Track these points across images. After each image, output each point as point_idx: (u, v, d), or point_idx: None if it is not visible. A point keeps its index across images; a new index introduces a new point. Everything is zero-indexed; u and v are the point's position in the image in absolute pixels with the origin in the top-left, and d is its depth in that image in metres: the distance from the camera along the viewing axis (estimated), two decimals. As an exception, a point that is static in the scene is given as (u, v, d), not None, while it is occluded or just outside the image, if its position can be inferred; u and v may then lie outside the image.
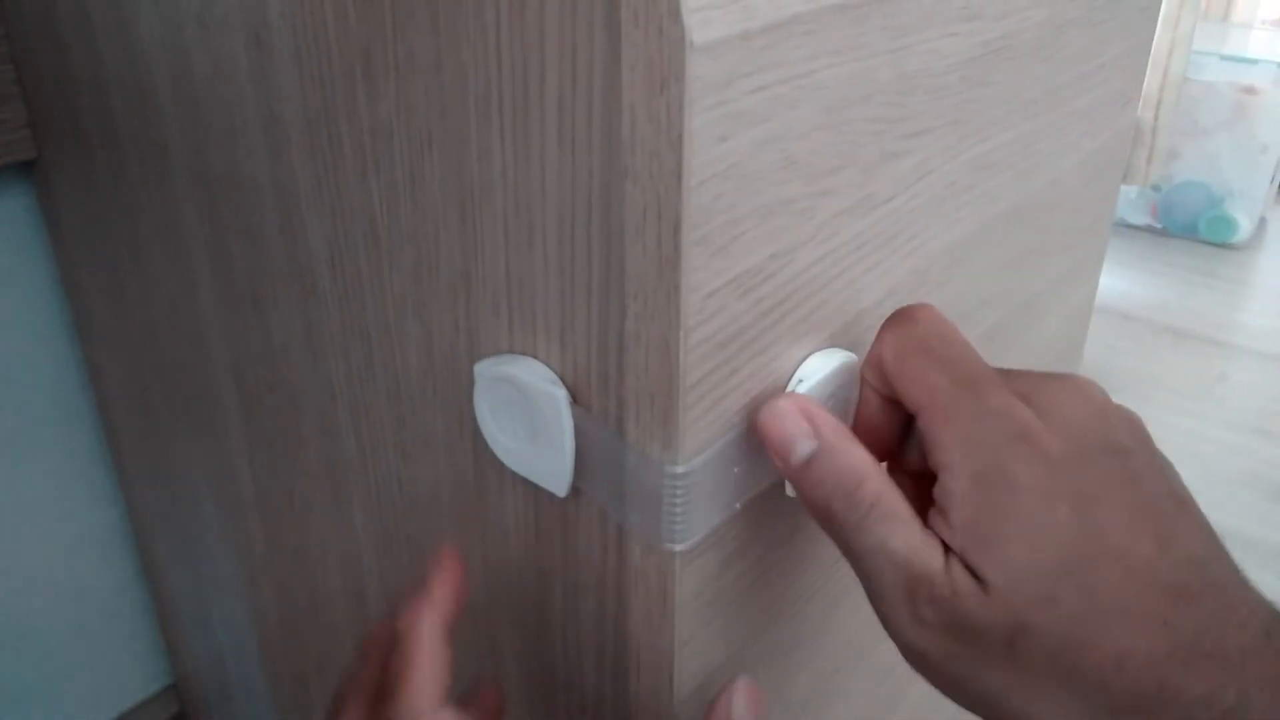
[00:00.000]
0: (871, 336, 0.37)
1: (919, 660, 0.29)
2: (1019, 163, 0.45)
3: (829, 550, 0.41)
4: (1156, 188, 1.88)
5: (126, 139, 0.50)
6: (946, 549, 0.28)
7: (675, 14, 0.24)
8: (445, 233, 0.35)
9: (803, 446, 0.30)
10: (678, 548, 0.31)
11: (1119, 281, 1.75)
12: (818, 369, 0.34)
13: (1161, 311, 1.66)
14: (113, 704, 0.80)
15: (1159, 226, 1.91)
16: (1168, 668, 0.26)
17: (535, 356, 0.34)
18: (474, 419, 0.36)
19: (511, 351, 0.35)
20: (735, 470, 0.32)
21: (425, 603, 0.33)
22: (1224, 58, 1.76)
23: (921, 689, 0.58)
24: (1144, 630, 0.26)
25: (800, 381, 0.33)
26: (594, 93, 0.27)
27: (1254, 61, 1.74)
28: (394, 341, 0.40)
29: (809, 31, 0.28)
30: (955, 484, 0.28)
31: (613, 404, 0.31)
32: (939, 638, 0.28)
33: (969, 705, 0.29)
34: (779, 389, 0.33)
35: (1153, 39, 0.55)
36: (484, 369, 0.35)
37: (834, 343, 0.35)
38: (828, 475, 0.30)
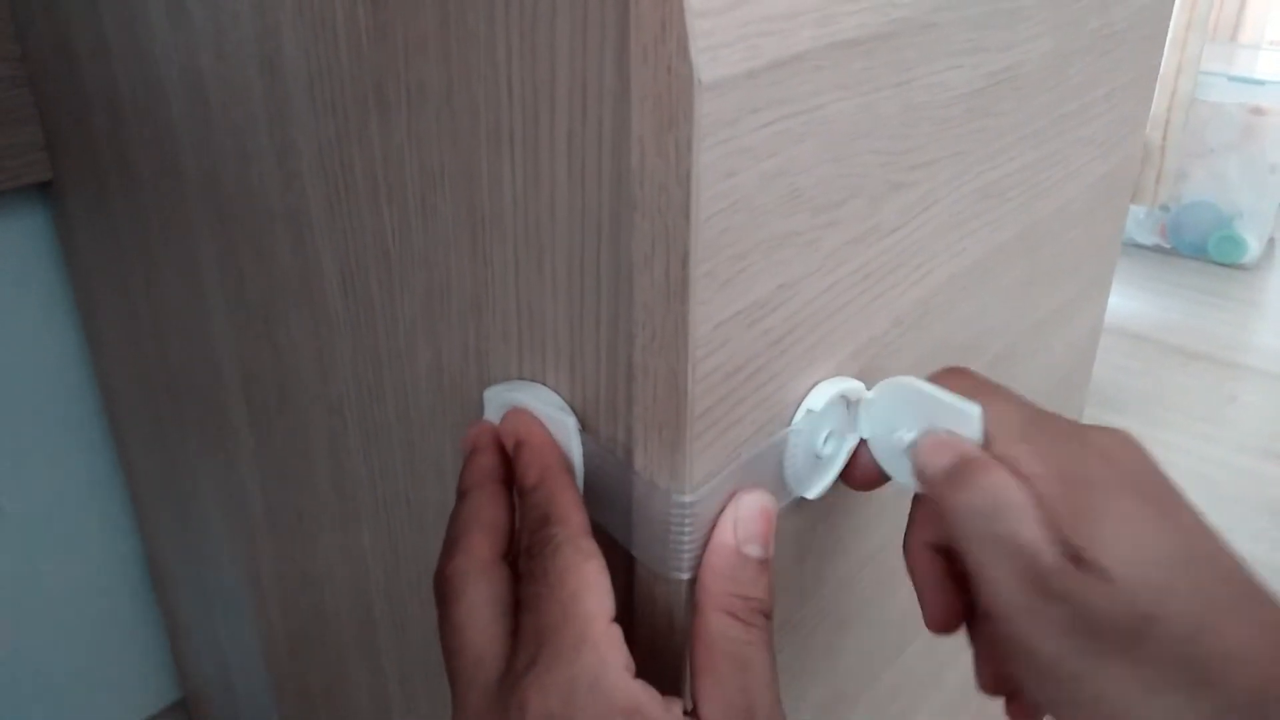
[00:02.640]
0: (880, 364, 0.38)
1: (1031, 662, 0.29)
2: (1025, 191, 0.46)
3: (837, 574, 0.42)
4: (1165, 208, 1.87)
5: (140, 162, 0.51)
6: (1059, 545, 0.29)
7: (684, 52, 0.25)
8: (456, 259, 0.35)
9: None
10: (684, 576, 0.31)
11: (1128, 302, 1.75)
12: (825, 401, 0.34)
13: (1170, 332, 1.66)
14: (121, 718, 0.80)
15: (1168, 246, 1.91)
16: (1275, 670, 0.26)
17: (544, 383, 0.34)
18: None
19: (521, 378, 0.35)
20: (741, 498, 0.32)
21: (535, 447, 0.32)
22: (1232, 79, 1.76)
23: (931, 707, 0.58)
24: (1250, 630, 0.27)
25: (808, 412, 0.34)
26: (604, 126, 0.28)
27: (1262, 82, 1.74)
28: (404, 365, 0.40)
29: (816, 68, 0.29)
30: (1048, 488, 0.29)
31: (621, 432, 0.32)
32: (1061, 634, 0.28)
33: (1077, 712, 0.29)
34: (785, 418, 0.33)
35: (1159, 65, 0.55)
36: (493, 394, 0.35)
37: (841, 371, 0.35)
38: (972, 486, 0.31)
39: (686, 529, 0.31)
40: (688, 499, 0.30)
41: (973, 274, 0.44)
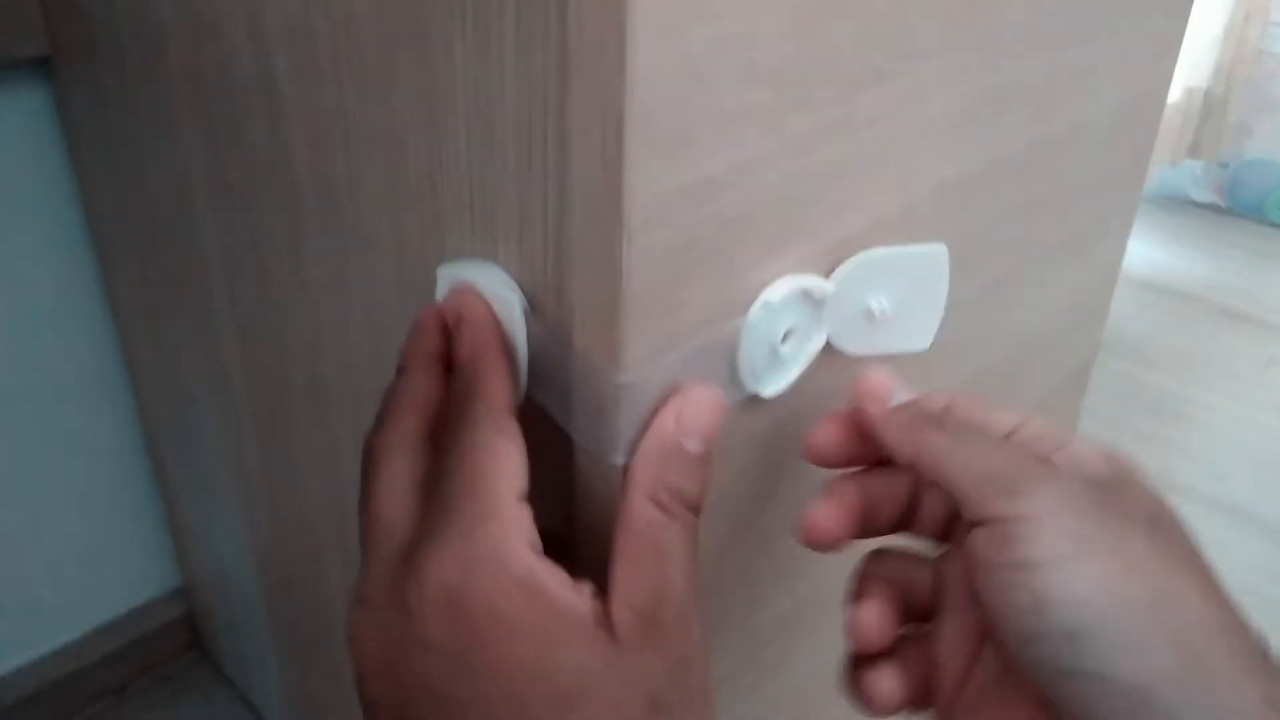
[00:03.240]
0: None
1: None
2: (1036, 102, 0.43)
3: (802, 481, 0.40)
4: (1224, 164, 1.81)
5: (129, 38, 0.50)
6: None
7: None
8: (414, 133, 0.34)
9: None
10: (620, 460, 0.31)
11: (1176, 259, 1.70)
12: (783, 294, 0.32)
13: (1217, 291, 1.61)
14: (123, 600, 0.82)
15: (1223, 205, 1.84)
16: None
17: (495, 261, 0.33)
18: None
19: (474, 256, 0.34)
20: (686, 387, 0.31)
21: (474, 323, 0.32)
22: (1306, 30, 1.68)
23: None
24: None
25: (765, 304, 0.32)
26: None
27: (1338, 35, 1.66)
28: (367, 246, 0.39)
29: None
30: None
31: (565, 311, 0.31)
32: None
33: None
34: (740, 307, 0.32)
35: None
36: (445, 272, 0.34)
37: (807, 268, 0.34)
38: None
39: (623, 410, 0.30)
40: (623, 379, 0.29)
41: (972, 185, 0.42)
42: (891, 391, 0.33)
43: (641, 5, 0.24)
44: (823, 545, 0.33)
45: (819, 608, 0.46)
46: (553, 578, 0.27)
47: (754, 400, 0.34)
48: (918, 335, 0.38)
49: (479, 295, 0.32)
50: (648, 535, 0.29)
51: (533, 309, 0.32)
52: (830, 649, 0.47)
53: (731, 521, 0.38)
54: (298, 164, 0.41)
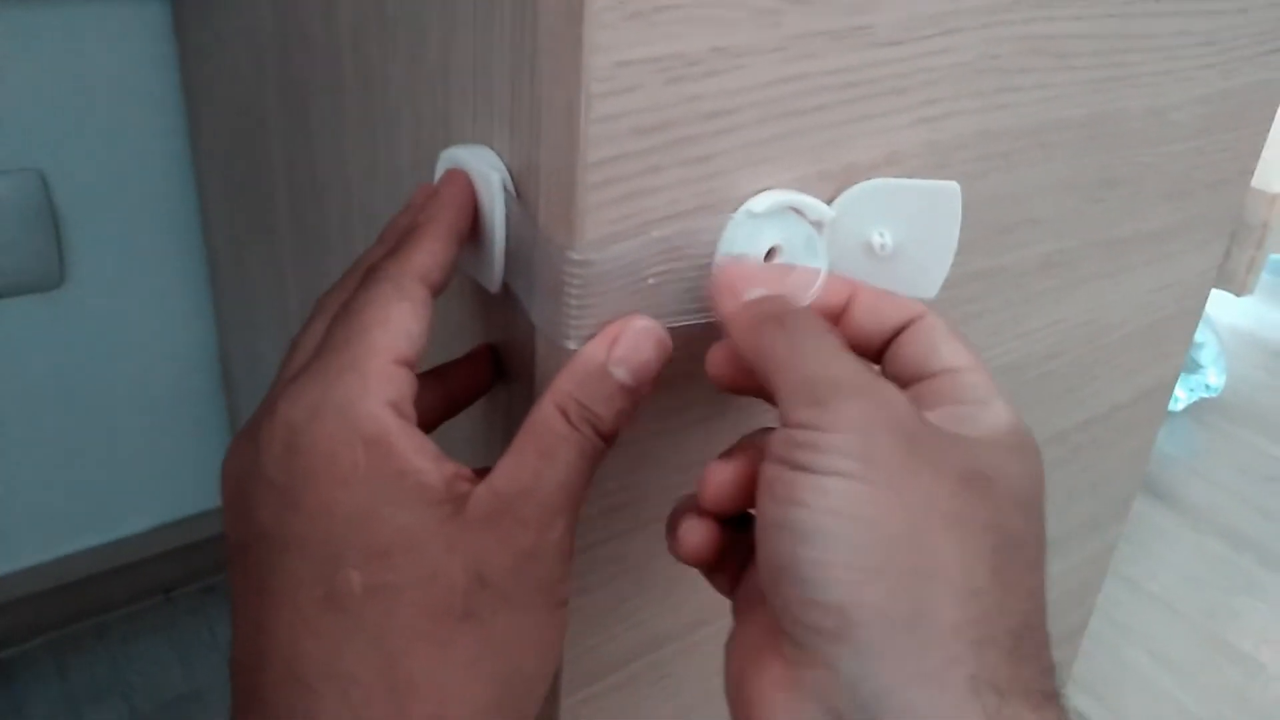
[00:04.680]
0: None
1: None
2: (1101, 66, 0.41)
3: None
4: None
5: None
6: None
7: None
8: (430, 14, 0.34)
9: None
10: (572, 345, 0.30)
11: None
12: (768, 204, 0.31)
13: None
14: (180, 507, 0.85)
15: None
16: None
17: (490, 145, 0.33)
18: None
19: (475, 141, 0.34)
20: (650, 283, 0.31)
21: (443, 199, 0.32)
22: None
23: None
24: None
25: (748, 211, 0.31)
26: None
27: None
28: (393, 136, 0.40)
29: None
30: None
31: (535, 190, 0.30)
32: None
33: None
34: (718, 210, 0.31)
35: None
36: (445, 156, 0.34)
37: (805, 188, 0.33)
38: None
39: (575, 290, 0.29)
40: (578, 256, 0.29)
41: (1013, 142, 0.39)
42: (747, 284, 0.30)
43: None
44: (717, 504, 0.30)
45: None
46: (409, 443, 0.27)
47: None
48: (925, 280, 0.36)
49: (465, 178, 0.32)
50: (539, 434, 0.29)
51: (518, 194, 0.32)
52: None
53: (689, 447, 0.36)
54: (343, 50, 0.42)
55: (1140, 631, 0.95)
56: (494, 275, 0.33)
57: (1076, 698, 0.79)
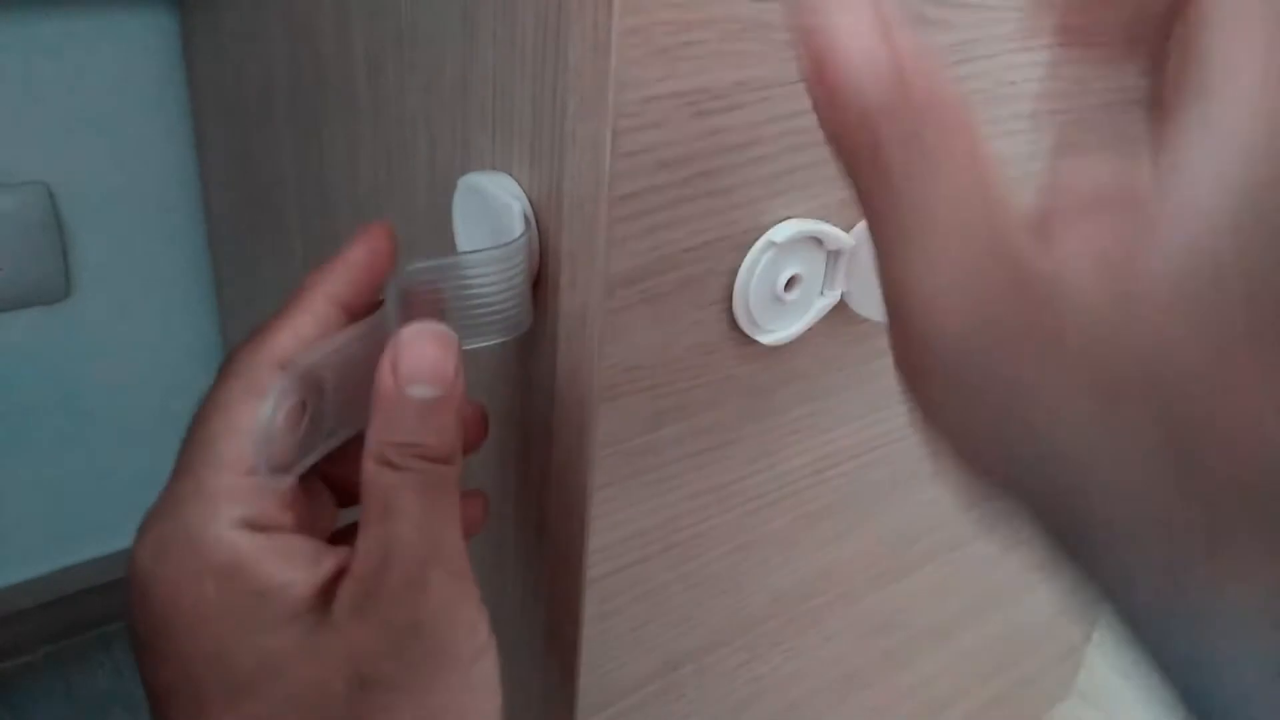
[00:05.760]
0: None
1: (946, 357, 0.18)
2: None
3: (806, 459, 0.39)
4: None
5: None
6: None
7: None
8: (451, 38, 0.34)
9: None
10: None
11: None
12: (789, 234, 0.31)
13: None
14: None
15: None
16: None
17: (510, 173, 0.33)
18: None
19: (494, 168, 0.34)
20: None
21: (330, 264, 0.30)
22: None
23: (929, 667, 0.54)
24: None
25: (769, 242, 0.31)
26: None
27: None
28: (408, 157, 0.40)
29: None
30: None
31: (559, 222, 0.30)
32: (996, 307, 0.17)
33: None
34: (742, 242, 0.31)
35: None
36: (463, 182, 0.35)
37: (826, 216, 0.33)
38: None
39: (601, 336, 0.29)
40: (610, 305, 0.29)
41: (1029, 163, 0.39)
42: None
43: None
44: None
45: (834, 587, 0.45)
46: (269, 559, 0.26)
47: (751, 346, 0.33)
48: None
49: (385, 232, 0.31)
50: (371, 497, 0.26)
51: (539, 222, 0.32)
52: (834, 644, 0.45)
53: (712, 473, 0.36)
54: (358, 72, 0.42)
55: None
56: (523, 316, 0.32)
57: (1079, 710, 0.79)
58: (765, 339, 0.33)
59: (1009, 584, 0.55)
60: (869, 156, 0.18)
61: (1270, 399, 0.15)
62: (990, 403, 0.18)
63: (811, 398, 0.37)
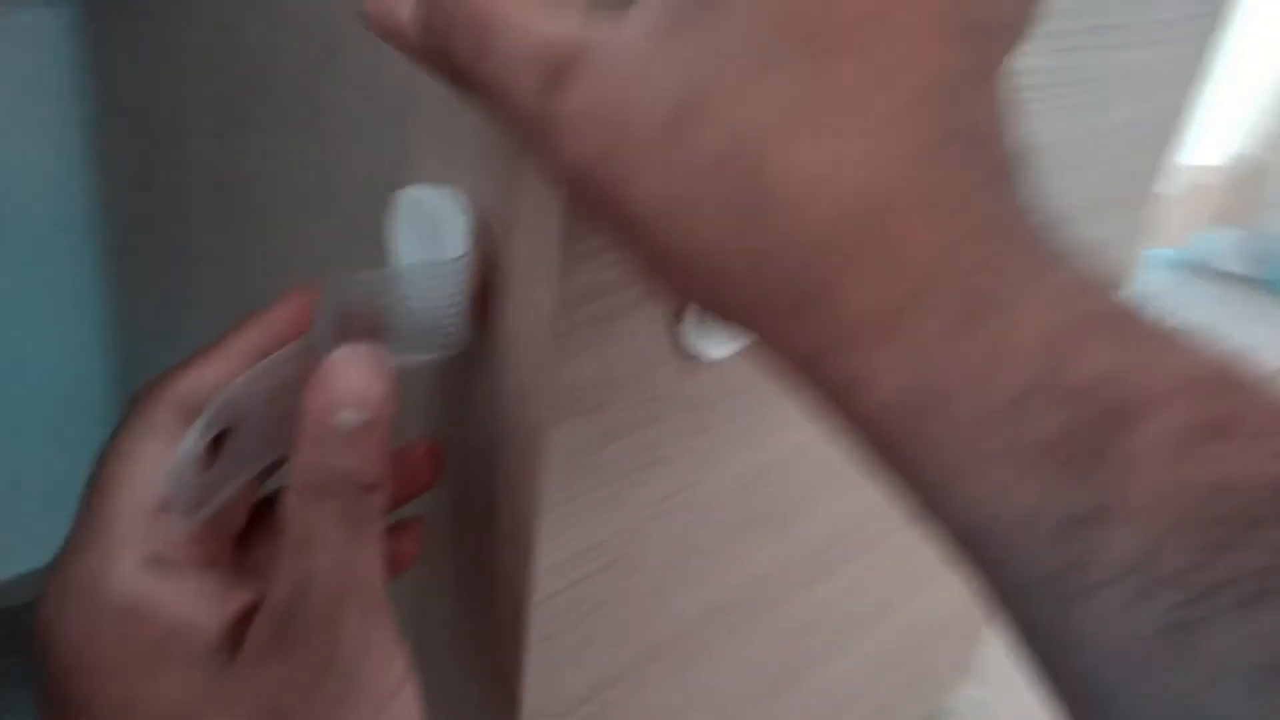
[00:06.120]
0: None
1: (573, 183, 0.22)
2: (1047, 104, 0.42)
3: (739, 469, 0.39)
4: (1258, 235, 1.78)
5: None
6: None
7: None
8: (389, 50, 0.33)
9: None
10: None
11: (1209, 327, 1.67)
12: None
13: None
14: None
15: (1255, 276, 1.81)
16: (888, 208, 0.19)
17: (455, 186, 0.32)
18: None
19: (437, 180, 0.33)
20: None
21: (255, 316, 0.30)
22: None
23: (849, 661, 0.55)
24: (875, 155, 0.19)
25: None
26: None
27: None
28: (343, 166, 0.38)
29: None
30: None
31: (509, 237, 0.30)
32: (587, 133, 0.21)
33: (630, 248, 0.23)
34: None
35: (1223, 14, 0.50)
36: (403, 196, 0.33)
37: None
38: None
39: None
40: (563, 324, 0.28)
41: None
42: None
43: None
44: None
45: (761, 592, 0.45)
46: (174, 598, 0.25)
47: (694, 362, 0.33)
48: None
49: (302, 302, 0.30)
50: (291, 526, 0.25)
51: (483, 235, 0.31)
52: (760, 648, 0.46)
53: (653, 488, 0.36)
54: (287, 74, 0.40)
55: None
56: (463, 333, 0.32)
57: (973, 688, 0.82)
58: (710, 354, 0.33)
59: (916, 576, 0.57)
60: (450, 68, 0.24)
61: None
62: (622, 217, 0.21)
63: (747, 409, 0.38)
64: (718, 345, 0.33)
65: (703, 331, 0.32)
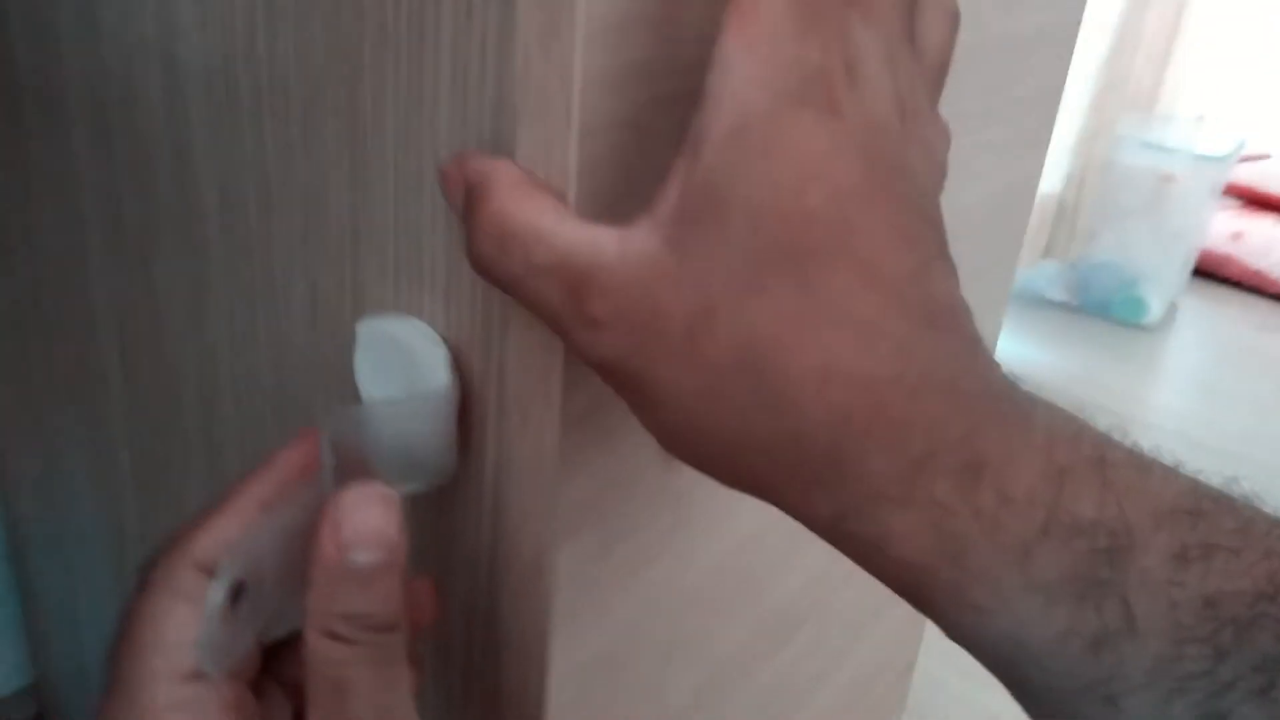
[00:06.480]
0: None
1: (603, 371, 0.25)
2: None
3: (713, 556, 0.41)
4: (1075, 266, 1.93)
5: (24, 86, 0.49)
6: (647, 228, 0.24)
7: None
8: (336, 183, 0.34)
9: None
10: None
11: (1033, 352, 1.80)
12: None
13: (1072, 384, 1.70)
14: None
15: (1075, 304, 1.96)
16: (888, 393, 0.22)
17: (420, 316, 0.33)
18: (355, 384, 0.35)
19: (397, 310, 0.34)
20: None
21: (261, 467, 0.30)
22: (1145, 145, 1.83)
23: (810, 714, 0.57)
24: (869, 348, 0.23)
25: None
26: (488, 29, 0.27)
27: (1173, 151, 1.82)
28: (279, 301, 0.38)
29: None
30: (714, 127, 0.23)
31: (487, 368, 0.31)
32: (616, 336, 0.24)
33: (657, 430, 0.25)
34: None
35: (1064, 81, 0.56)
36: (366, 327, 0.34)
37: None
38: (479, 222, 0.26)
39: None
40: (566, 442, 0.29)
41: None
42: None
43: (587, 42, 0.25)
44: None
45: (728, 672, 0.46)
46: None
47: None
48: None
49: (314, 443, 0.30)
50: (322, 670, 0.26)
51: (458, 364, 0.32)
52: (738, 714, 0.47)
53: (648, 585, 0.37)
54: (207, 214, 0.40)
55: (948, 650, 1.04)
56: (451, 461, 0.32)
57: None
58: None
59: (857, 623, 0.59)
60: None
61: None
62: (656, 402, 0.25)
63: (714, 496, 0.39)
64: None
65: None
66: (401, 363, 0.33)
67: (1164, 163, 1.82)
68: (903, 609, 0.78)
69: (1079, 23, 0.56)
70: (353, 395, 0.36)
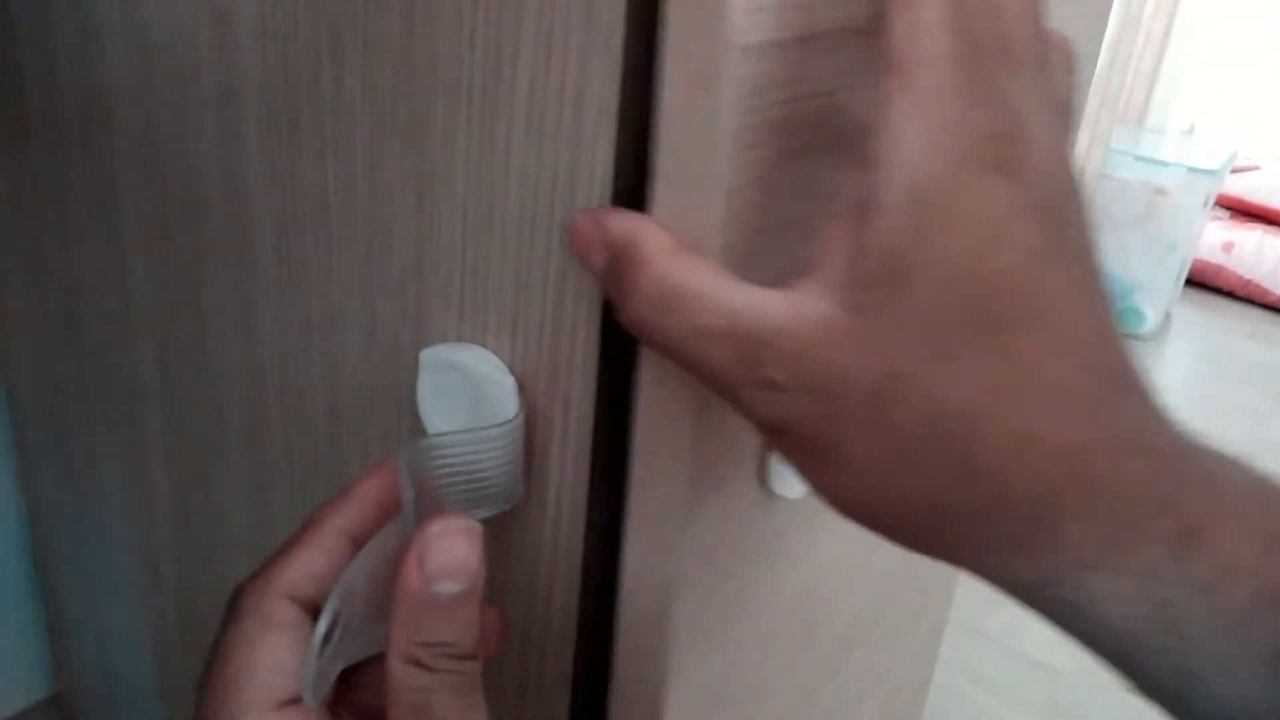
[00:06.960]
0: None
1: (772, 432, 0.25)
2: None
3: (795, 589, 0.41)
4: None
5: (70, 110, 0.49)
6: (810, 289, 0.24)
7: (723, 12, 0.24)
8: (401, 216, 0.34)
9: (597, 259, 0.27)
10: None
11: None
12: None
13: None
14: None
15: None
16: (1089, 459, 0.22)
17: (485, 346, 0.34)
18: (413, 411, 0.35)
19: (460, 340, 0.34)
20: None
21: (342, 497, 0.30)
22: (1138, 158, 1.85)
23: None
24: (1068, 413, 0.22)
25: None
26: (566, 83, 0.28)
27: (1165, 164, 1.84)
28: (335, 329, 0.39)
29: (832, 49, 0.28)
30: (888, 193, 0.23)
31: (560, 398, 0.31)
32: (794, 399, 0.24)
33: (834, 492, 0.25)
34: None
35: (1090, 76, 0.57)
36: (430, 355, 0.35)
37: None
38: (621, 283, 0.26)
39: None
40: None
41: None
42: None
43: (736, 118, 0.26)
44: None
45: (806, 702, 0.47)
46: None
47: (774, 499, 0.35)
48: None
49: (391, 471, 0.31)
50: (405, 696, 0.26)
51: (523, 392, 0.32)
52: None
53: (742, 631, 0.38)
54: (261, 243, 0.41)
55: (957, 659, 1.05)
56: (518, 488, 0.33)
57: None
58: (790, 493, 0.35)
59: (891, 644, 0.60)
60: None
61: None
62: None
63: (804, 528, 0.40)
64: (796, 483, 0.35)
65: (784, 470, 0.34)
66: (468, 390, 0.33)
67: (1156, 176, 1.84)
68: (923, 629, 0.78)
69: (1096, 54, 0.57)
70: (408, 419, 0.37)
